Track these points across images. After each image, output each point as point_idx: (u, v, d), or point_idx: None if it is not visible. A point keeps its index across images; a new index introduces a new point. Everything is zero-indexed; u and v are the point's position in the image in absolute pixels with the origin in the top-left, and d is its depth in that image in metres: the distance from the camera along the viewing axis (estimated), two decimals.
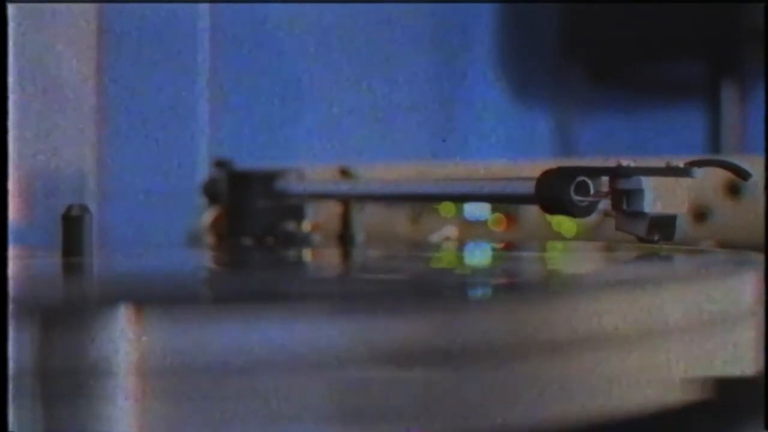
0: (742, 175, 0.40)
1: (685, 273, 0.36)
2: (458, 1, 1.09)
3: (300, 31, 0.90)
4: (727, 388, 0.29)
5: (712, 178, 0.60)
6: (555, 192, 0.38)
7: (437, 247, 0.58)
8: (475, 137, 1.12)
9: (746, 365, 0.30)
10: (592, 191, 0.38)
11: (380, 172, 0.59)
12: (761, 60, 0.95)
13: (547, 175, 0.38)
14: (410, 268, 0.41)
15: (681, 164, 0.38)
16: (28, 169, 0.64)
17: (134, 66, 0.73)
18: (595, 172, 0.38)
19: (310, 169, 0.55)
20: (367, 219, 0.53)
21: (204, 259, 0.49)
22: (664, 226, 0.38)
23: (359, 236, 0.52)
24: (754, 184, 0.57)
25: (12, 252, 0.28)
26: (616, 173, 0.37)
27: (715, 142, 1.11)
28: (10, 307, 0.23)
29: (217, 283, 0.36)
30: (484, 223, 0.65)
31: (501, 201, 0.58)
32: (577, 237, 0.61)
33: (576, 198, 0.38)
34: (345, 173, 0.54)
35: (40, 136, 0.65)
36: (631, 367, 0.26)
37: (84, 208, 0.40)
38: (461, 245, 0.59)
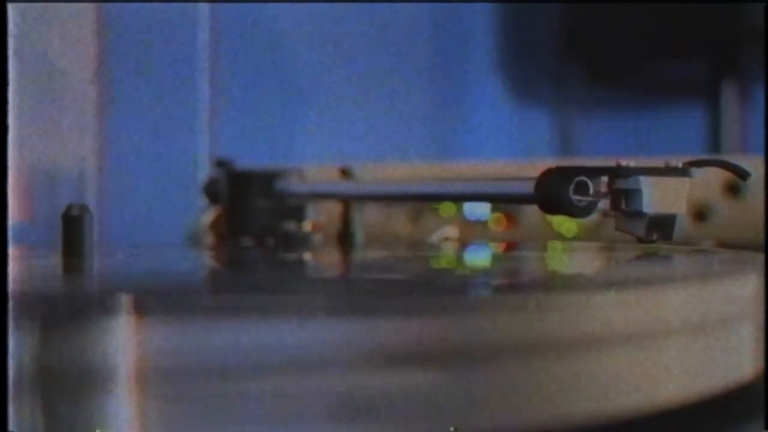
0: (742, 175, 0.40)
1: (685, 273, 0.36)
2: (458, 2, 1.09)
3: (300, 31, 0.90)
4: (727, 388, 0.29)
5: (712, 178, 0.60)
6: (554, 192, 0.38)
7: (437, 247, 0.58)
8: (475, 137, 1.12)
9: (746, 365, 0.30)
10: (591, 191, 0.38)
11: (380, 172, 0.59)
12: (761, 60, 0.95)
13: (547, 175, 0.38)
14: (410, 268, 0.41)
15: (681, 164, 0.38)
16: (28, 169, 0.64)
17: (134, 66, 0.73)
18: (594, 172, 0.38)
19: (310, 169, 0.55)
20: (367, 219, 0.53)
21: (204, 259, 0.49)
22: (663, 226, 0.38)
23: (359, 236, 0.52)
24: (754, 184, 0.57)
25: (12, 252, 0.28)
26: (616, 173, 0.37)
27: (715, 142, 1.11)
28: (11, 306, 0.23)
29: (217, 283, 0.36)
30: (484, 223, 0.65)
31: (501, 201, 0.58)
32: (577, 237, 0.61)
33: (575, 198, 0.38)
34: (345, 173, 0.54)
35: (40, 135, 0.65)
36: (630, 367, 0.26)
37: (84, 208, 0.40)
38: (461, 245, 0.59)
